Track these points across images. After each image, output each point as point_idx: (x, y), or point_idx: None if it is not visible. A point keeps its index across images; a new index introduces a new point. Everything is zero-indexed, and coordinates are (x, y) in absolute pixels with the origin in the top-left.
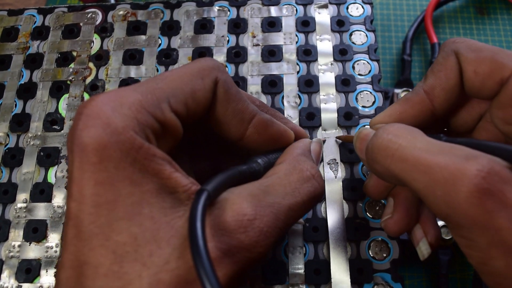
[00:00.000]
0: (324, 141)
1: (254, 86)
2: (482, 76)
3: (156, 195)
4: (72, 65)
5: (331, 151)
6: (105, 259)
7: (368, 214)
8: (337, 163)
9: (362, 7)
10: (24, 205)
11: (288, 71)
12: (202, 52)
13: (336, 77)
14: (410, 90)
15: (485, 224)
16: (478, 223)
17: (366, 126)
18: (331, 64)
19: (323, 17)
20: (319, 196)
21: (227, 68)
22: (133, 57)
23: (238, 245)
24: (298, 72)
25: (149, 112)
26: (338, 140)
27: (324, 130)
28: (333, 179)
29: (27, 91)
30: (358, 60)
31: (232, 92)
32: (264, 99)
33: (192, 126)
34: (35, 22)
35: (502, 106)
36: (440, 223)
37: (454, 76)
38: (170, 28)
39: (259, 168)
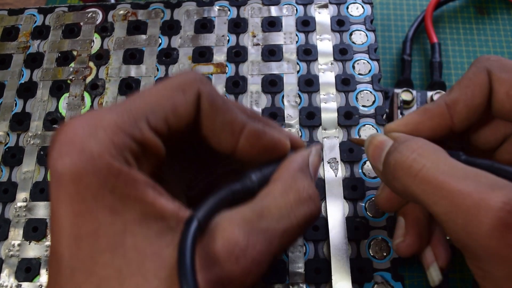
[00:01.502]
0: (322, 148)
1: (254, 86)
2: None
3: (140, 224)
4: (72, 65)
5: (331, 150)
6: None
7: (368, 213)
8: (337, 162)
9: (362, 7)
10: (24, 204)
11: (288, 71)
12: (203, 52)
13: (336, 77)
14: (410, 90)
15: (505, 257)
16: (498, 256)
17: (378, 133)
18: (331, 63)
19: (323, 16)
20: (316, 218)
21: (209, 80)
22: (133, 56)
23: (229, 276)
24: (298, 72)
25: (126, 133)
26: (351, 141)
27: (324, 129)
28: (333, 178)
29: (27, 90)
30: (358, 60)
31: (218, 104)
32: (264, 98)
33: (181, 141)
34: (36, 21)
35: None
36: None
37: (482, 95)
38: (171, 28)
39: (253, 185)
